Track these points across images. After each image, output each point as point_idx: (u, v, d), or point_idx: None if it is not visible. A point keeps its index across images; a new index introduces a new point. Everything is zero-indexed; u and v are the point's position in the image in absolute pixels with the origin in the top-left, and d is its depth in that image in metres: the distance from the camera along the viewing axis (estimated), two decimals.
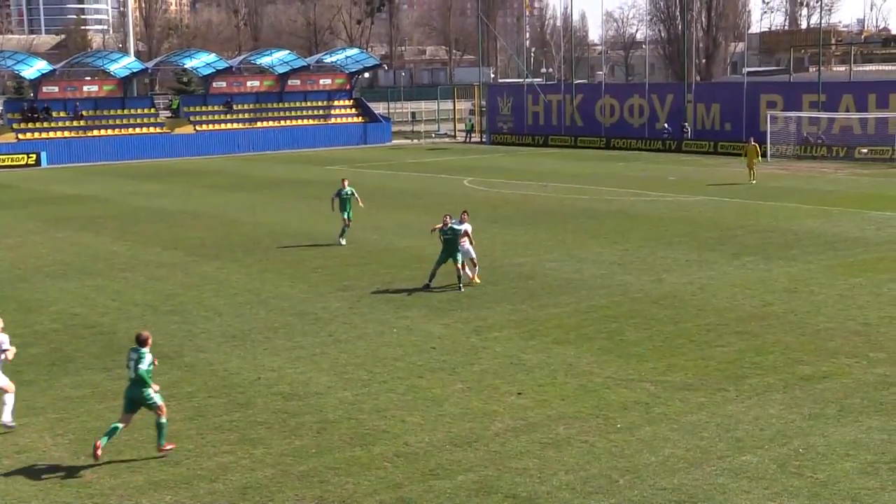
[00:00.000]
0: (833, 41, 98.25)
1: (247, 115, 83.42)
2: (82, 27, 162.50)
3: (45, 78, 77.03)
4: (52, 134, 74.84)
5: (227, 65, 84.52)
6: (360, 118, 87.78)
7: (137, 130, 77.98)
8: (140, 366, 14.67)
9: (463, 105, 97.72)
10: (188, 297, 25.95)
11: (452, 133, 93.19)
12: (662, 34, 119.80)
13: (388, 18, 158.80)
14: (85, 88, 79.55)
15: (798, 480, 13.65)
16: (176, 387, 18.38)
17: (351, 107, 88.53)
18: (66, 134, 75.39)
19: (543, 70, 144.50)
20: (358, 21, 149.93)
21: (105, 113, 78.01)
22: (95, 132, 76.32)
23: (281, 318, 23.23)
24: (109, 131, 76.92)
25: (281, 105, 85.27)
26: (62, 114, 76.46)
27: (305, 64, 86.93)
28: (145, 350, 14.85)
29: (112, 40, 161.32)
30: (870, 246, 31.26)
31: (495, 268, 28.38)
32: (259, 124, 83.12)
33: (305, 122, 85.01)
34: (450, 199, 44.55)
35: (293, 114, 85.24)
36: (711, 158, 64.41)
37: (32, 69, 76.80)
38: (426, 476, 14.13)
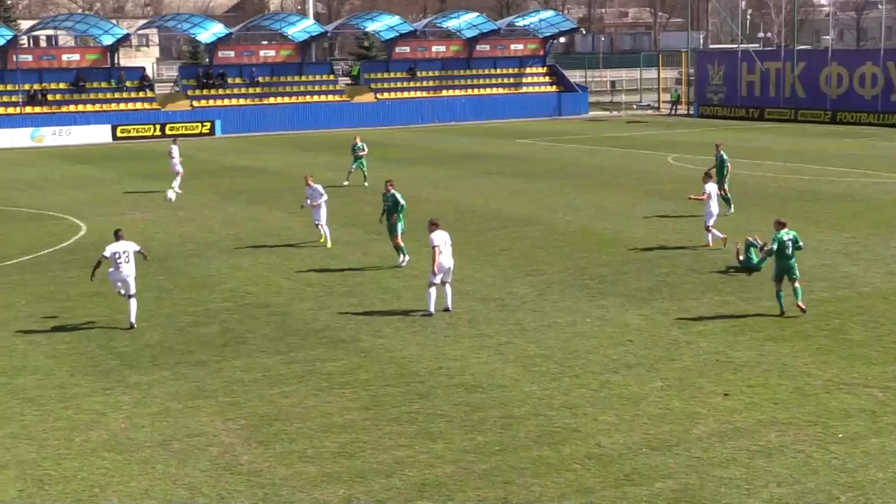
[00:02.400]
0: None
1: (431, 83, 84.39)
2: None
3: (220, 42, 79.87)
4: (226, 101, 77.39)
5: (411, 28, 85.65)
6: (555, 87, 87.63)
7: (315, 98, 79.87)
8: (800, 244, 21.72)
9: (669, 74, 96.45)
10: (365, 277, 26.52)
11: (656, 105, 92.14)
12: None
13: None
14: (262, 53, 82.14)
15: None
16: (351, 374, 18.84)
17: (544, 75, 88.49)
18: (242, 101, 77.84)
19: (760, 35, 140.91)
20: None
21: (282, 79, 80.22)
22: (272, 100, 78.57)
23: (464, 303, 23.47)
24: (286, 99, 79.08)
25: (468, 72, 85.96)
26: (238, 80, 79.00)
27: (495, 27, 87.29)
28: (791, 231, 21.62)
29: (290, 2, 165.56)
30: None
31: (700, 255, 28.00)
32: (444, 93, 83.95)
33: (494, 90, 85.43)
34: (652, 178, 44.11)
35: (481, 82, 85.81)
36: None
37: (208, 33, 79.71)
38: (620, 481, 14.09)
